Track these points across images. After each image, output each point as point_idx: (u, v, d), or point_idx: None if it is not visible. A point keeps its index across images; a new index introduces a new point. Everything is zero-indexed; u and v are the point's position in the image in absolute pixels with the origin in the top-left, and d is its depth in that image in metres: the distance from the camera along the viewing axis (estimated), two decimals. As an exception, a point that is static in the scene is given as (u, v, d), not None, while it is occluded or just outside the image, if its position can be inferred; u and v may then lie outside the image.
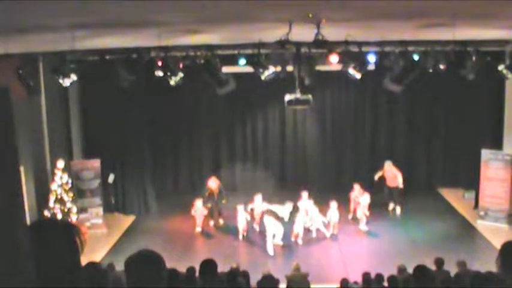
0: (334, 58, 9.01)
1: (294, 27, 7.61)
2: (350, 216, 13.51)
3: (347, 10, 6.66)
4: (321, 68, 9.65)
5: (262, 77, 9.88)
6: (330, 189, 15.11)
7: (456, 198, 15.28)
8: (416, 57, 9.77)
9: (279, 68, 9.67)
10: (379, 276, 8.25)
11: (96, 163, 13.71)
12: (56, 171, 12.46)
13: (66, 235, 2.01)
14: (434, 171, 16.32)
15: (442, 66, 9.78)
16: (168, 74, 10.37)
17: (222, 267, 7.92)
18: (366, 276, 8.45)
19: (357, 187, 13.47)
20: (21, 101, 10.66)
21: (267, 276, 8.62)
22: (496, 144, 13.92)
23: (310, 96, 10.19)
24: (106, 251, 12.10)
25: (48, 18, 6.61)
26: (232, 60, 10.15)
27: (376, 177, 14.21)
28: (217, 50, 10.10)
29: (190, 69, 10.55)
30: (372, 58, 9.85)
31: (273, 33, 7.98)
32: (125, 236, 13.27)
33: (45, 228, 2.05)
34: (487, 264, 6.46)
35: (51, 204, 12.30)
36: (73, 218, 12.47)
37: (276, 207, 12.11)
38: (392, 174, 14.07)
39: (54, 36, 8.17)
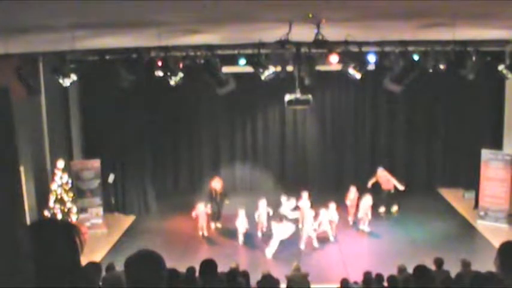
0: (334, 58, 9.01)
1: (294, 27, 7.61)
2: (350, 220, 13.40)
3: (347, 10, 6.66)
4: (321, 68, 9.64)
5: (262, 77, 9.87)
6: (330, 189, 15.13)
7: (456, 198, 15.29)
8: (416, 57, 9.77)
9: (279, 68, 9.66)
10: (379, 276, 8.25)
11: (96, 163, 13.72)
12: (56, 171, 12.46)
13: (66, 235, 2.01)
14: (434, 171, 16.33)
15: (442, 66, 9.78)
16: (168, 74, 10.37)
17: (222, 267, 7.92)
18: (366, 275, 8.45)
19: (353, 189, 13.35)
20: (21, 101, 10.66)
21: (267, 276, 8.62)
22: (496, 144, 13.92)
23: (310, 96, 10.19)
24: (106, 251, 12.10)
25: (48, 18, 6.61)
26: (232, 60, 10.14)
27: (370, 184, 14.16)
28: (217, 50, 10.09)
29: (190, 69, 10.55)
30: (372, 58, 9.85)
31: (273, 33, 7.98)
32: (125, 236, 13.27)
33: (45, 228, 2.05)
34: (487, 264, 6.44)
35: (51, 204, 12.30)
36: (73, 218, 12.47)
37: (282, 208, 12.03)
38: (385, 179, 14.09)
39: (54, 36, 8.17)
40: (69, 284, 1.96)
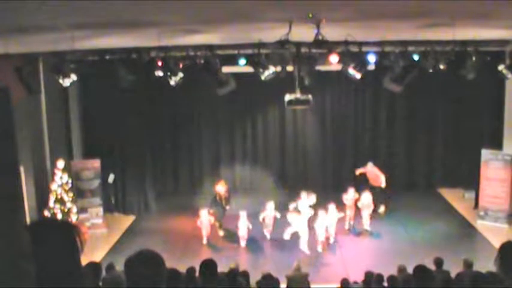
0: (334, 58, 9.01)
1: (294, 27, 7.61)
2: (346, 225, 12.97)
3: (347, 10, 6.66)
4: (321, 68, 9.64)
5: (262, 77, 9.87)
6: (330, 189, 15.13)
7: (456, 198, 15.28)
8: (416, 57, 9.78)
9: (279, 68, 9.66)
10: (379, 276, 8.24)
11: (96, 163, 13.72)
12: (56, 171, 12.46)
13: (66, 235, 2.01)
14: (434, 171, 16.33)
15: (442, 66, 9.78)
16: (168, 74, 10.38)
17: (222, 267, 7.92)
18: (368, 275, 8.46)
19: (351, 190, 12.98)
20: (21, 101, 10.66)
21: (267, 276, 8.62)
22: (496, 144, 13.92)
23: (310, 96, 10.19)
24: (106, 251, 12.10)
25: (48, 18, 6.61)
26: (232, 60, 10.15)
27: (357, 172, 14.12)
28: (217, 50, 10.10)
29: (190, 69, 10.55)
30: (372, 58, 9.85)
31: (273, 33, 7.98)
32: (125, 236, 13.27)
33: (45, 228, 2.05)
34: (487, 264, 6.44)
35: (51, 204, 12.30)
36: (73, 218, 12.47)
37: (300, 203, 11.89)
38: (374, 175, 13.92)
39: (54, 36, 8.17)
40: (70, 284, 1.96)
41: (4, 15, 5.99)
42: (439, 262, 8.58)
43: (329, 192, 14.18)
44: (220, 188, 13.30)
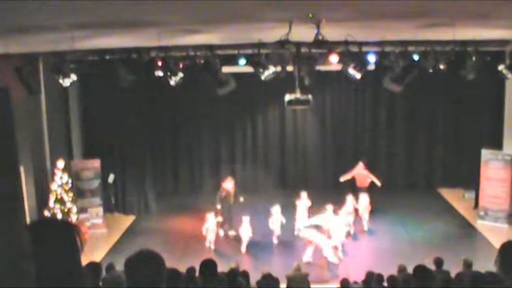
0: (334, 58, 9.01)
1: (294, 27, 7.61)
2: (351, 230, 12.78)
3: (347, 10, 6.66)
4: (321, 68, 9.64)
5: (262, 77, 9.87)
6: (330, 189, 15.13)
7: (456, 198, 15.29)
8: (416, 57, 9.78)
9: (279, 68, 9.66)
10: (379, 276, 8.25)
11: (96, 163, 13.72)
12: (56, 171, 12.46)
13: (66, 235, 2.01)
14: (434, 171, 16.33)
15: (442, 66, 9.78)
16: (168, 74, 10.38)
17: (222, 267, 7.92)
18: (369, 275, 8.46)
19: (349, 198, 12.75)
20: (21, 101, 10.66)
21: (267, 276, 8.62)
22: (496, 144, 13.92)
23: (310, 96, 10.19)
24: (106, 251, 12.10)
25: (48, 18, 6.61)
26: (232, 60, 10.15)
27: (343, 179, 13.96)
28: (217, 50, 10.10)
29: (190, 69, 10.55)
30: (372, 58, 9.85)
31: (273, 33, 7.98)
32: (125, 236, 13.27)
33: (45, 228, 2.05)
34: (487, 264, 6.44)
35: (51, 204, 12.30)
36: (73, 218, 12.47)
37: (315, 219, 11.47)
38: (363, 176, 13.83)
39: (54, 36, 8.17)
40: (70, 284, 1.96)
41: (4, 15, 5.99)
42: (439, 262, 8.58)
43: (329, 192, 14.18)
44: (228, 184, 13.13)
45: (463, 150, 15.47)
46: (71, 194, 12.60)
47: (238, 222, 12.41)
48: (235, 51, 10.03)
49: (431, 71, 9.96)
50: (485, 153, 13.44)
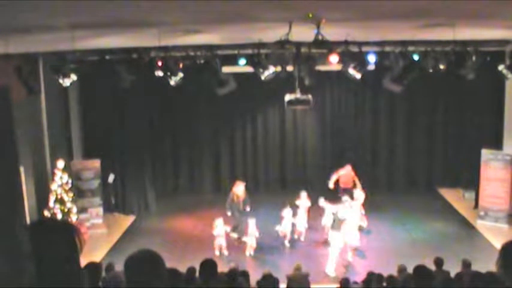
0: (334, 58, 9.00)
1: (294, 27, 7.61)
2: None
3: (347, 10, 6.66)
4: (321, 68, 9.64)
5: (262, 77, 9.87)
6: (329, 189, 15.10)
7: (456, 198, 15.29)
8: (416, 57, 9.77)
9: (279, 68, 9.66)
10: (379, 276, 8.24)
11: (96, 163, 13.72)
12: (56, 171, 12.46)
13: (66, 235, 2.02)
14: (434, 171, 16.33)
15: (442, 66, 9.78)
16: (168, 74, 10.37)
17: (222, 267, 7.92)
18: (370, 275, 8.46)
19: (345, 198, 12.44)
20: (21, 101, 10.66)
21: (267, 276, 8.62)
22: (496, 144, 13.93)
23: (310, 96, 10.18)
24: (106, 251, 12.10)
25: (48, 18, 6.61)
26: (232, 60, 10.15)
27: (332, 184, 13.69)
28: (217, 50, 10.09)
29: (190, 69, 10.55)
30: (372, 58, 9.85)
31: (273, 33, 7.98)
32: (125, 236, 13.27)
33: (45, 229, 2.05)
34: (487, 264, 6.45)
35: (51, 204, 12.30)
36: (73, 218, 12.47)
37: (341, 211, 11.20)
38: (348, 178, 13.72)
39: (54, 36, 8.17)
40: (69, 284, 1.96)
41: (4, 15, 5.99)
42: (439, 262, 8.58)
43: (329, 192, 14.14)
44: (239, 188, 12.69)
45: (463, 150, 15.47)
46: (71, 194, 12.60)
47: (245, 226, 12.11)
48: (235, 51, 10.02)
49: (431, 71, 9.96)
50: (485, 153, 13.44)
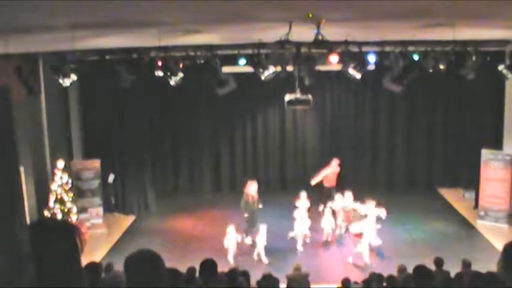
0: (334, 58, 9.00)
1: (294, 27, 7.61)
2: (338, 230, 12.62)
3: (347, 10, 6.66)
4: (321, 68, 9.64)
5: (262, 77, 9.87)
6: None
7: (456, 198, 15.29)
8: (416, 57, 9.77)
9: (279, 68, 9.66)
10: (379, 276, 8.25)
11: (96, 163, 13.72)
12: (56, 171, 12.46)
13: (66, 235, 2.01)
14: (434, 171, 16.33)
15: (442, 66, 9.78)
16: (168, 74, 10.37)
17: (222, 267, 7.92)
18: (372, 275, 8.46)
19: (338, 196, 12.54)
20: (21, 101, 10.66)
21: (267, 276, 8.62)
22: (496, 144, 13.93)
23: (310, 96, 10.18)
24: (106, 251, 12.09)
25: (48, 18, 6.61)
26: (232, 60, 10.15)
27: (314, 182, 13.60)
28: (217, 50, 10.09)
29: (190, 69, 10.55)
30: (372, 58, 9.85)
31: (273, 33, 7.98)
32: (125, 236, 13.26)
33: (46, 228, 2.05)
34: (487, 264, 6.44)
35: (51, 204, 12.30)
36: (73, 218, 12.47)
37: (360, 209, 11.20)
38: (333, 175, 13.68)
39: (54, 36, 8.17)
40: (70, 284, 1.96)
41: (4, 15, 5.99)
42: (439, 262, 8.58)
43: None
44: (252, 188, 12.34)
45: (463, 150, 15.47)
46: (71, 194, 12.60)
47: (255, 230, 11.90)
48: (235, 51, 10.02)
49: (431, 71, 9.96)
50: (485, 153, 13.44)
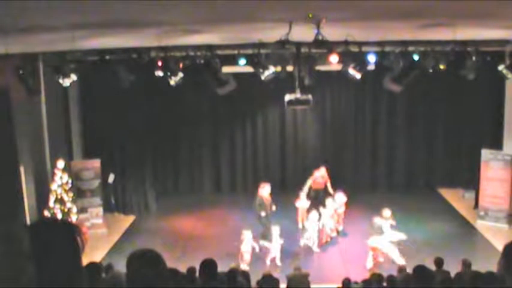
0: (334, 58, 9.00)
1: (294, 27, 7.61)
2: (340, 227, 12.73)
3: (347, 10, 6.66)
4: (321, 68, 9.64)
5: (262, 77, 9.87)
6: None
7: (456, 198, 15.29)
8: (416, 57, 9.78)
9: (279, 68, 9.66)
10: (379, 276, 8.25)
11: (96, 163, 13.72)
12: (56, 171, 12.45)
13: (67, 235, 2.01)
14: (434, 171, 16.33)
15: (442, 66, 9.78)
16: (168, 74, 10.38)
17: (222, 267, 7.92)
18: (373, 276, 8.46)
19: (331, 199, 12.62)
20: (21, 101, 10.65)
21: (267, 276, 8.62)
22: (496, 144, 13.93)
23: (310, 96, 10.18)
24: (106, 251, 12.10)
25: (48, 18, 6.61)
26: (232, 60, 10.15)
27: (305, 189, 13.40)
28: (217, 50, 10.10)
29: (190, 69, 10.55)
30: (372, 58, 9.85)
31: (273, 33, 7.98)
32: (125, 236, 13.27)
33: (46, 228, 2.05)
34: (487, 264, 6.44)
35: (51, 204, 12.29)
36: (73, 218, 12.46)
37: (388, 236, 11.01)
38: (321, 178, 13.63)
39: (54, 36, 8.16)
40: (70, 284, 1.96)
41: (4, 15, 5.98)
42: (439, 262, 8.58)
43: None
44: (265, 190, 12.12)
45: (463, 150, 15.47)
46: (71, 194, 12.59)
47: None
48: (235, 51, 10.02)
49: (431, 71, 9.96)
50: (485, 153, 13.44)
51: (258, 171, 16.42)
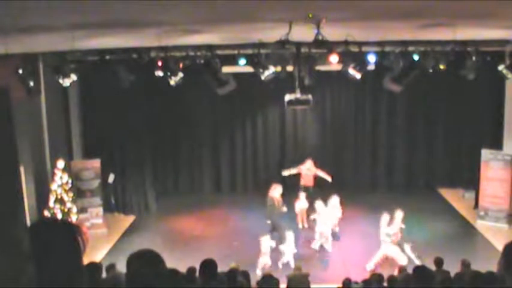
0: (334, 58, 9.00)
1: (294, 27, 7.61)
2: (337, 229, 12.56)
3: (347, 10, 6.66)
4: (321, 68, 9.64)
5: (262, 77, 9.88)
6: (329, 189, 15.09)
7: (456, 198, 15.29)
8: (416, 57, 9.78)
9: (279, 68, 9.66)
10: (379, 276, 8.25)
11: (96, 163, 13.72)
12: (56, 171, 12.46)
13: (68, 235, 2.01)
14: (434, 171, 16.33)
15: (442, 66, 9.78)
16: (168, 74, 10.38)
17: (222, 267, 7.92)
18: (373, 276, 8.46)
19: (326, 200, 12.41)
20: (21, 101, 10.66)
21: (267, 276, 8.62)
22: (496, 144, 13.93)
23: (310, 96, 10.19)
24: (106, 251, 12.11)
25: (48, 18, 6.61)
26: (232, 60, 10.15)
27: (287, 173, 13.62)
28: (217, 50, 10.10)
29: (190, 69, 10.55)
30: (372, 58, 9.85)
31: (273, 33, 7.98)
32: (125, 236, 13.27)
33: (47, 228, 2.05)
34: (487, 264, 6.44)
35: (51, 204, 12.29)
36: (73, 218, 12.46)
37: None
38: (310, 174, 13.57)
39: (54, 36, 8.17)
40: (71, 284, 1.96)
41: (4, 15, 5.98)
42: (439, 262, 8.58)
43: (328, 192, 14.13)
44: (276, 191, 12.06)
45: (463, 150, 15.47)
46: (71, 194, 12.60)
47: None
48: (235, 51, 10.03)
49: (431, 71, 9.96)
50: (485, 153, 13.44)
51: (258, 171, 16.43)
